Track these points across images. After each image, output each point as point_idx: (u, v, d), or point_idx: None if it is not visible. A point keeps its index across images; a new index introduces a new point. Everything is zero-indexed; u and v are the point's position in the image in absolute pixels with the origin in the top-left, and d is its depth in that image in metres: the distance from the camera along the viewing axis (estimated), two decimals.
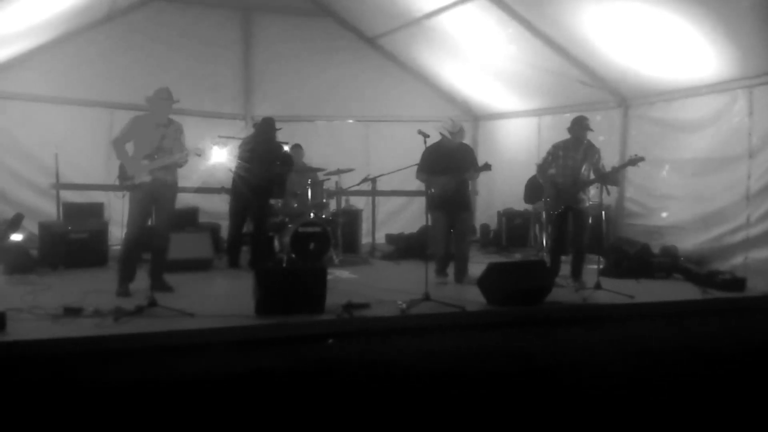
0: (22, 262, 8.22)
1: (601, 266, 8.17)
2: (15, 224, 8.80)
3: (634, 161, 7.73)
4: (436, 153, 8.06)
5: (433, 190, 7.99)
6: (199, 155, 7.11)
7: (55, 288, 7.35)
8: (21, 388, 4.60)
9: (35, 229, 9.00)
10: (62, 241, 8.69)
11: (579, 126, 7.88)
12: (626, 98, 9.94)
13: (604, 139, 8.54)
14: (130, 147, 7.15)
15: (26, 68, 9.90)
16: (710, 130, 8.71)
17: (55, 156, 9.57)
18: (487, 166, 7.98)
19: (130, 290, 7.05)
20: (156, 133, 7.03)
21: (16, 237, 8.67)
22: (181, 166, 7.21)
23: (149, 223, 7.15)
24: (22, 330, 5.58)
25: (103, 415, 4.19)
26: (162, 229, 7.20)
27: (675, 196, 9.28)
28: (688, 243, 8.96)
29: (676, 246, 9.00)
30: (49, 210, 9.75)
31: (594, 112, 9.83)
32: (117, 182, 7.17)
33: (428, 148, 7.85)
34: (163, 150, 7.01)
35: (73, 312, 6.11)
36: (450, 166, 8.05)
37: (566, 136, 8.03)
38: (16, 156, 9.93)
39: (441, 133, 8.13)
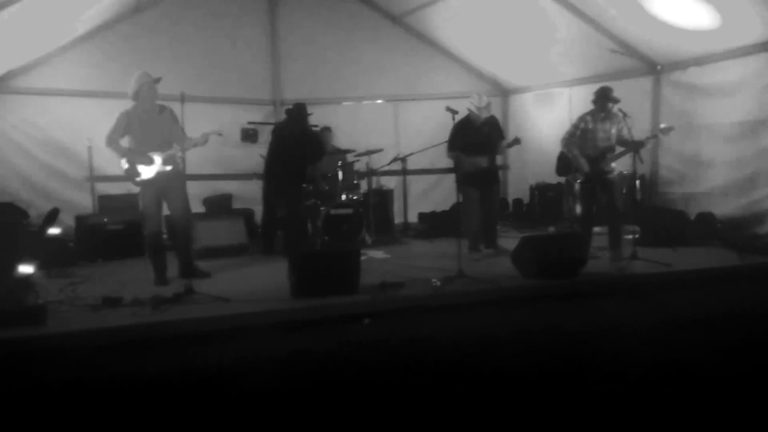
0: (60, 256, 8.30)
1: (637, 236, 8.06)
2: (52, 218, 8.84)
3: (665, 131, 7.62)
4: (464, 129, 8.12)
5: (463, 168, 8.02)
6: (221, 135, 7.06)
7: (94, 279, 7.44)
8: (63, 379, 4.66)
9: (72, 223, 9.11)
10: (99, 233, 8.78)
11: (602, 96, 7.76)
12: (658, 65, 9.76)
13: (636, 107, 8.36)
14: (126, 142, 6.99)
15: (58, 64, 10.00)
16: (744, 93, 8.54)
17: (88, 149, 9.68)
18: (517, 141, 8.04)
19: (167, 279, 7.11)
20: (153, 122, 6.91)
21: (54, 231, 8.76)
22: (190, 148, 7.06)
23: (165, 213, 7.17)
24: (62, 322, 5.67)
25: (145, 403, 4.22)
26: (179, 218, 7.16)
27: (710, 162, 9.13)
28: (725, 209, 8.83)
29: (712, 212, 8.87)
30: (85, 203, 9.86)
31: (625, 80, 9.71)
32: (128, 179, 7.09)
33: (456, 125, 7.92)
34: (167, 139, 6.94)
35: (112, 302, 6.18)
36: (479, 141, 8.07)
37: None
38: (51, 151, 10.04)
39: (468, 108, 8.12)
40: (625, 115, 7.59)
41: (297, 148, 8.75)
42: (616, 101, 7.67)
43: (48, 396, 4.37)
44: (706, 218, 8.82)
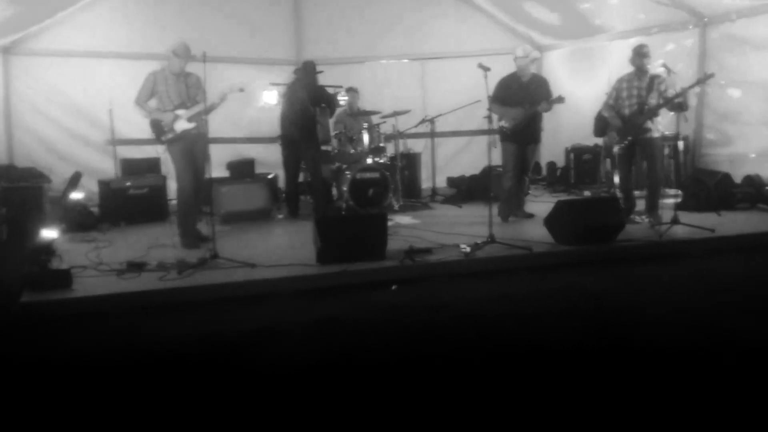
0: (84, 220, 8.30)
1: (679, 200, 7.78)
2: (74, 183, 8.86)
3: (702, 80, 7.31)
4: (510, 84, 8.05)
5: (504, 122, 7.97)
6: (242, 90, 6.93)
7: (118, 244, 7.40)
8: (89, 342, 4.65)
9: (94, 187, 9.05)
10: (122, 197, 8.73)
11: (637, 55, 7.51)
12: (704, 16, 9.30)
13: (682, 64, 7.96)
14: (153, 103, 7.05)
15: (76, 25, 9.86)
16: None
17: (109, 112, 9.58)
18: (560, 99, 7.88)
19: (195, 242, 7.04)
20: (179, 84, 6.98)
21: (77, 195, 8.73)
22: (212, 110, 6.98)
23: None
24: (88, 286, 5.65)
25: (169, 367, 4.20)
26: (201, 178, 7.13)
27: (758, 122, 8.74)
28: None
29: (759, 174, 8.54)
30: (107, 167, 9.78)
31: (669, 33, 9.34)
32: (154, 138, 7.08)
33: (501, 80, 7.95)
34: (192, 100, 6.97)
35: (137, 267, 6.17)
36: (523, 97, 7.97)
37: None
38: (72, 114, 9.96)
39: (515, 62, 8.05)
40: (669, 71, 7.27)
41: (305, 109, 8.56)
42: (646, 56, 7.39)
43: (74, 360, 4.35)
44: (753, 181, 8.51)
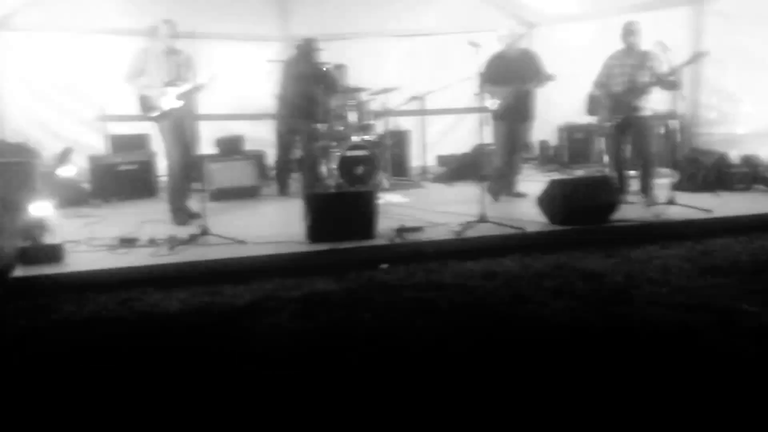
0: (75, 196, 8.35)
1: (674, 180, 7.81)
2: (64, 158, 8.84)
3: (695, 58, 7.29)
4: (498, 62, 8.00)
5: (494, 101, 7.93)
6: (215, 79, 6.95)
7: (109, 220, 7.47)
8: (81, 316, 4.69)
9: (85, 163, 9.04)
10: (112, 173, 8.80)
11: (627, 32, 7.52)
12: None
13: (677, 41, 7.85)
14: (143, 80, 7.06)
15: (65, 0, 9.73)
16: None
17: (98, 88, 9.55)
18: (549, 77, 7.86)
19: (186, 219, 7.09)
20: (170, 62, 6.99)
21: (68, 171, 8.72)
22: (201, 89, 7.05)
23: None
24: (80, 261, 5.74)
25: (160, 342, 4.24)
26: (190, 155, 7.17)
27: (755, 100, 8.68)
28: None
29: (757, 154, 8.51)
30: (97, 143, 9.75)
31: (663, 10, 9.25)
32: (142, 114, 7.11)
33: (490, 58, 7.86)
34: (182, 78, 6.98)
35: (128, 242, 6.26)
36: (512, 75, 7.92)
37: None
38: (62, 90, 9.91)
39: (499, 41, 8.03)
40: (665, 48, 7.18)
41: (308, 85, 8.59)
42: (635, 34, 7.41)
43: (66, 334, 4.40)
44: (750, 161, 8.48)
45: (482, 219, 6.63)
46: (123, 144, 9.53)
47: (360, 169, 8.73)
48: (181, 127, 7.04)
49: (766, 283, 5.08)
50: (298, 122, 8.59)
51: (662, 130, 9.16)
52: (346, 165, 8.68)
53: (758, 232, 6.50)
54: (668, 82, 7.27)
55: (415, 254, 5.99)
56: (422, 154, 10.64)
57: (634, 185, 7.83)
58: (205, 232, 6.29)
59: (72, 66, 9.87)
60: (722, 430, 3.06)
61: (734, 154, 8.65)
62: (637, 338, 4.13)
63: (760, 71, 8.59)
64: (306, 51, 8.80)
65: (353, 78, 10.07)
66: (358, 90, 9.52)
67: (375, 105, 9.84)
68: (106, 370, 3.80)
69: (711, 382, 3.50)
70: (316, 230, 6.18)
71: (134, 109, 7.25)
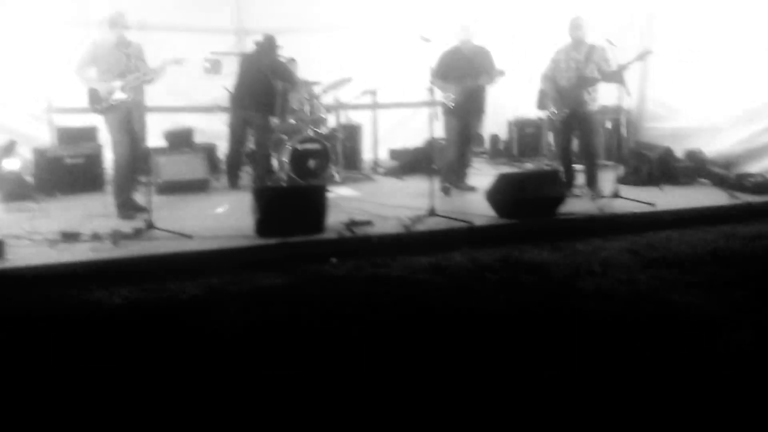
0: (18, 189, 8.11)
1: (620, 173, 7.90)
2: (8, 151, 8.63)
3: (641, 56, 7.41)
4: (452, 57, 8.05)
5: (446, 96, 7.96)
6: (180, 63, 6.91)
7: (53, 214, 7.28)
8: (21, 312, 4.62)
9: (30, 156, 8.82)
10: (58, 166, 8.57)
11: (573, 27, 7.62)
12: None
13: (625, 37, 7.94)
14: (93, 72, 6.97)
15: None
16: (743, 19, 8.14)
17: (46, 79, 9.32)
18: (500, 72, 7.92)
19: (132, 213, 6.94)
20: (120, 53, 6.89)
21: (12, 164, 8.51)
22: (152, 81, 7.02)
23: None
24: (21, 256, 5.59)
25: (102, 338, 4.18)
26: (140, 150, 7.11)
27: (702, 95, 8.80)
28: (716, 145, 8.58)
29: (701, 149, 8.65)
30: (43, 135, 9.52)
31: (614, 6, 9.35)
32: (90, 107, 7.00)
33: (443, 53, 7.94)
34: (131, 70, 6.87)
35: (71, 237, 6.11)
36: (465, 70, 7.97)
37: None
38: (6, 80, 9.64)
39: (456, 36, 8.07)
40: (613, 45, 7.32)
41: (266, 79, 8.52)
42: (580, 28, 7.51)
43: (4, 331, 4.33)
44: (694, 155, 8.63)
45: (432, 213, 6.65)
46: (70, 137, 9.30)
47: (312, 163, 8.67)
48: (129, 120, 6.95)
49: (705, 275, 5.20)
50: (251, 114, 8.49)
51: (608, 125, 9.28)
52: (298, 158, 8.61)
53: (699, 225, 6.66)
54: (614, 76, 7.35)
55: (364, 248, 5.99)
56: (374, 148, 10.60)
57: (581, 179, 7.92)
58: (150, 226, 6.18)
59: (17, 57, 9.61)
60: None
61: (679, 149, 8.78)
62: (575, 330, 4.20)
63: (705, 67, 8.72)
64: (265, 47, 8.73)
65: (305, 71, 9.99)
66: (311, 83, 9.46)
67: (327, 98, 9.80)
68: (38, 368, 3.74)
69: (651, 371, 3.57)
70: (265, 224, 6.13)
71: (83, 101, 7.13)
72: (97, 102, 6.85)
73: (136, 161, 7.13)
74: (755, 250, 5.97)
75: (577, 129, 7.79)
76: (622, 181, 7.78)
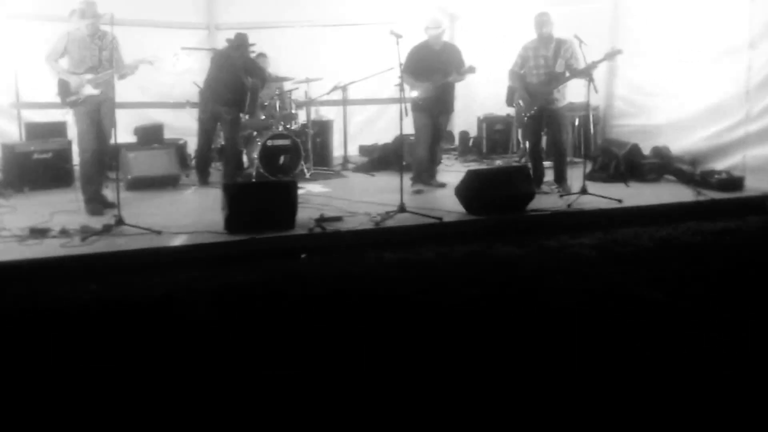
0: None
1: (588, 170, 7.99)
2: None
3: (610, 55, 7.44)
4: (421, 54, 8.03)
5: (416, 93, 7.97)
6: (152, 63, 6.90)
7: (21, 209, 7.21)
8: None
9: None
10: (26, 162, 8.47)
11: (538, 23, 7.65)
12: None
13: (594, 34, 8.00)
14: (64, 62, 6.92)
15: None
16: (707, 16, 8.20)
17: (14, 74, 9.23)
18: (471, 69, 7.95)
19: (100, 209, 6.90)
20: (92, 46, 6.84)
21: None
22: (124, 77, 6.98)
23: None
24: None
25: (71, 334, 4.18)
26: (107, 143, 7.03)
27: (667, 92, 8.88)
28: (682, 143, 8.63)
29: (668, 146, 8.73)
30: (11, 130, 9.42)
31: (582, 4, 9.38)
32: (59, 99, 6.94)
33: (413, 49, 7.92)
34: (103, 64, 6.83)
35: (39, 233, 6.07)
36: (435, 67, 7.98)
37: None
38: None
39: (426, 32, 8.05)
40: (581, 42, 7.35)
41: (236, 76, 8.49)
42: (551, 25, 7.55)
43: None
44: (661, 152, 8.70)
45: (402, 209, 6.69)
46: (39, 132, 9.21)
47: (282, 159, 8.69)
48: (97, 114, 6.90)
49: (671, 270, 5.31)
50: (221, 109, 8.46)
51: (577, 121, 9.38)
52: (269, 154, 8.62)
53: (666, 221, 6.75)
54: (583, 74, 7.41)
55: (334, 244, 6.02)
56: (344, 144, 10.62)
57: (549, 175, 8.00)
58: (120, 222, 6.16)
59: None
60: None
61: (647, 146, 8.86)
62: (543, 325, 4.26)
63: (673, 64, 8.79)
64: (238, 44, 8.70)
65: (276, 67, 10.01)
66: (281, 79, 9.46)
67: (298, 94, 9.80)
68: (5, 363, 3.74)
69: (619, 367, 3.65)
70: (235, 220, 6.12)
71: (52, 96, 7.06)
72: (67, 94, 6.80)
73: (104, 156, 7.09)
74: (720, 246, 6.09)
75: (545, 126, 7.86)
76: (590, 177, 7.85)
